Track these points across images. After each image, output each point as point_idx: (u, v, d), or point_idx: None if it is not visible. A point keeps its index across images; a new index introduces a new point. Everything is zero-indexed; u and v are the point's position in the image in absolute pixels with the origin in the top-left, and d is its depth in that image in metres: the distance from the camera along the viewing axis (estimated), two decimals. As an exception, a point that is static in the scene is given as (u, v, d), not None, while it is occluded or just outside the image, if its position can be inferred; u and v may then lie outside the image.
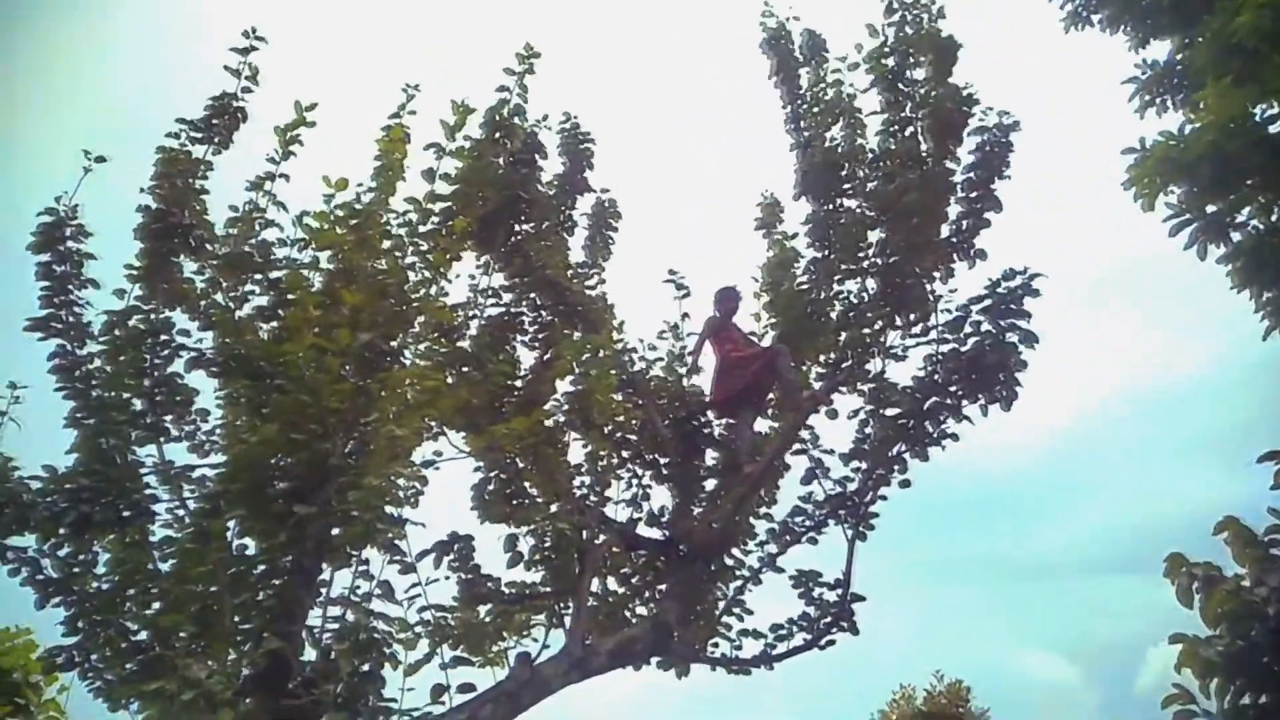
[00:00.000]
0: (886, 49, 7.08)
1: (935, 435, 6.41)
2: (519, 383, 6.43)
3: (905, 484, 6.48)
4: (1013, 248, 6.89)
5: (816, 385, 7.02)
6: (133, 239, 5.22)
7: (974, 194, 6.87)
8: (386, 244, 5.08)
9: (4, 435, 4.91)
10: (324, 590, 4.22)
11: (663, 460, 6.67)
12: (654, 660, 6.14)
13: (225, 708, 3.62)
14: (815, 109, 7.49)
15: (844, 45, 7.47)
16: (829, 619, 6.36)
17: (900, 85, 6.99)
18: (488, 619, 5.95)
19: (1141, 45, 7.90)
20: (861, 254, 6.94)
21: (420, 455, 5.27)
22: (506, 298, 6.65)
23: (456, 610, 5.87)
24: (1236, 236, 6.56)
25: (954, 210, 6.94)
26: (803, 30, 7.73)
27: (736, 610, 6.57)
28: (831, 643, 6.38)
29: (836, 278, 7.06)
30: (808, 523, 6.62)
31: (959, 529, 39.89)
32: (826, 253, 7.18)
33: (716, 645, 6.53)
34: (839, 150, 7.22)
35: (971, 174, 6.88)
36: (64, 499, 4.48)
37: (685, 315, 7.26)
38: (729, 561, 6.60)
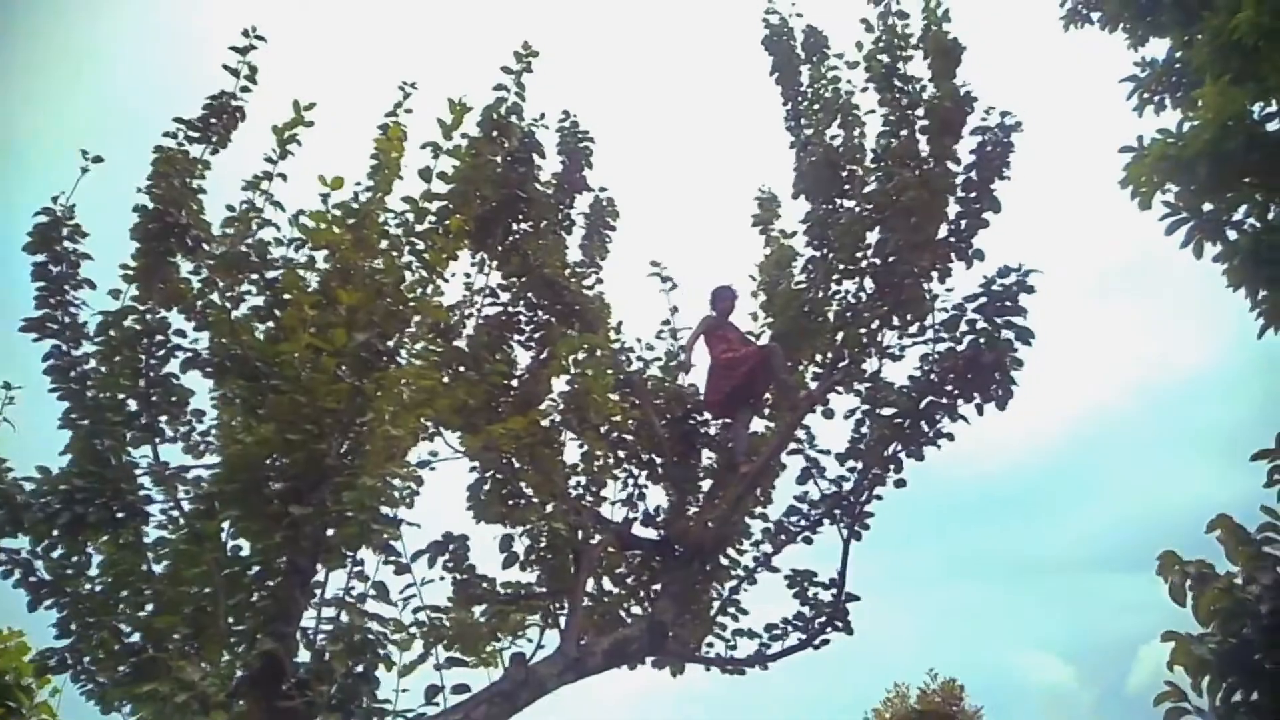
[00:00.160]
0: (879, 44, 7.05)
1: (931, 435, 6.41)
2: (515, 382, 6.43)
3: (900, 484, 6.49)
4: (1013, 247, 6.91)
5: (813, 385, 7.02)
6: (128, 239, 5.21)
7: (972, 194, 6.86)
8: (383, 244, 5.07)
9: (-2, 436, 4.90)
10: (319, 591, 4.22)
11: (659, 460, 6.68)
12: (649, 660, 6.15)
13: (219, 710, 3.62)
14: (815, 106, 7.48)
15: (845, 43, 7.48)
16: (824, 618, 6.38)
17: (895, 81, 6.97)
18: (483, 619, 5.94)
19: (1140, 43, 7.88)
20: (859, 254, 6.93)
21: (416, 455, 5.26)
22: (504, 297, 6.66)
23: (451, 611, 5.84)
24: (1233, 235, 6.55)
25: (952, 210, 6.92)
26: (804, 27, 7.72)
27: (731, 610, 6.59)
28: (826, 642, 6.39)
29: (834, 277, 7.05)
30: (803, 522, 6.63)
31: (954, 528, 39.99)
32: (824, 252, 7.17)
33: (711, 645, 6.55)
34: (838, 149, 7.21)
35: (971, 174, 6.87)
36: (57, 500, 4.46)
37: (674, 309, 7.27)
38: (724, 561, 6.61)
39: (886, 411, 6.53)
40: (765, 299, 7.51)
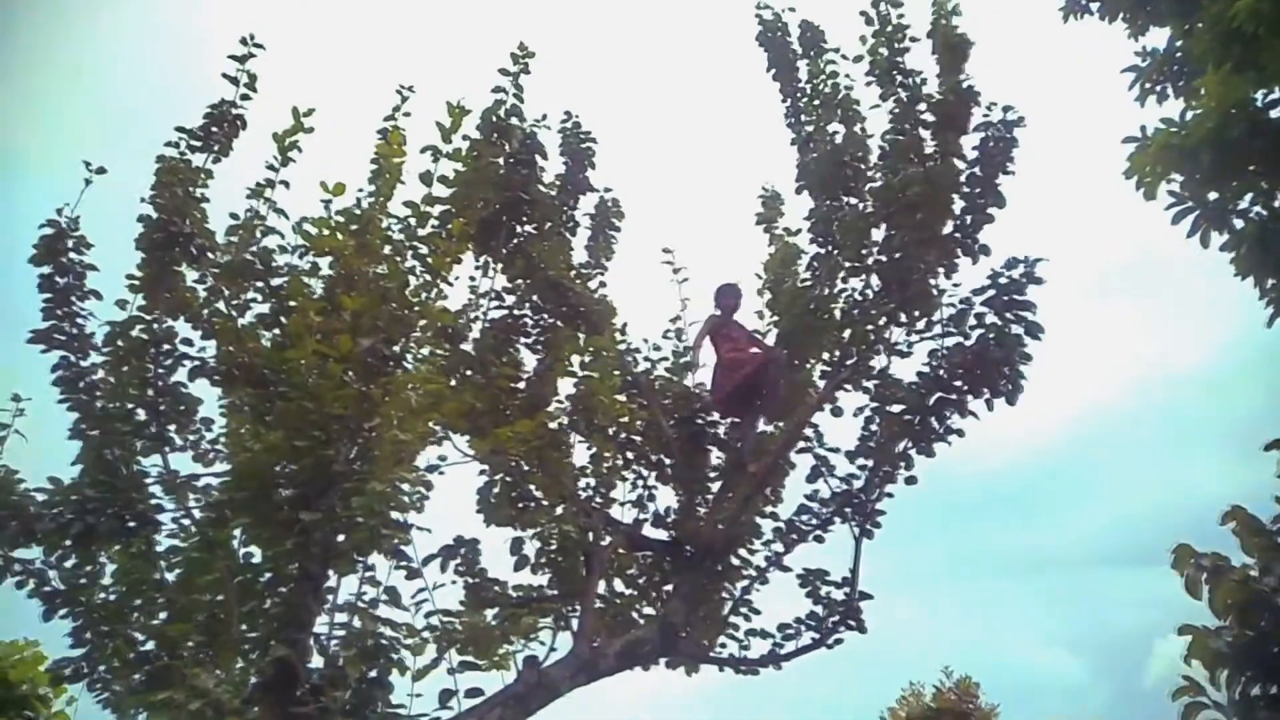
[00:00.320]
0: (879, 37, 7.04)
1: (941, 431, 6.37)
2: (522, 385, 6.42)
3: (911, 481, 6.45)
4: (1017, 242, 6.88)
5: (820, 383, 7.00)
6: (133, 248, 5.23)
7: (977, 190, 6.84)
8: (386, 249, 5.07)
9: (8, 448, 4.91)
10: (331, 597, 4.22)
11: (667, 461, 6.65)
12: (662, 661, 6.13)
13: (233, 716, 3.62)
14: (815, 102, 7.47)
15: (841, 37, 7.46)
16: (836, 617, 6.33)
17: (895, 74, 6.96)
18: (494, 623, 5.93)
19: (1140, 33, 7.86)
20: (865, 250, 6.91)
21: (424, 460, 5.28)
22: (509, 300, 6.65)
23: (463, 615, 5.84)
24: (1238, 224, 6.52)
25: (957, 206, 6.90)
26: (800, 22, 7.71)
27: (743, 610, 6.55)
28: (839, 641, 6.35)
29: (840, 274, 7.03)
30: (814, 521, 6.59)
31: (963, 525, 39.97)
32: (829, 249, 7.16)
33: (724, 645, 6.50)
34: (840, 145, 7.19)
35: (975, 169, 6.85)
36: (69, 511, 4.48)
37: (686, 301, 7.23)
38: (735, 561, 6.57)
39: (895, 408, 6.49)
40: (771, 297, 7.49)
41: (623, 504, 6.47)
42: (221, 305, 5.11)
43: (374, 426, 4.47)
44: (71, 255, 5.19)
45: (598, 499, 6.30)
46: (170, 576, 4.55)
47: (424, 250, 5.11)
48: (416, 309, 4.98)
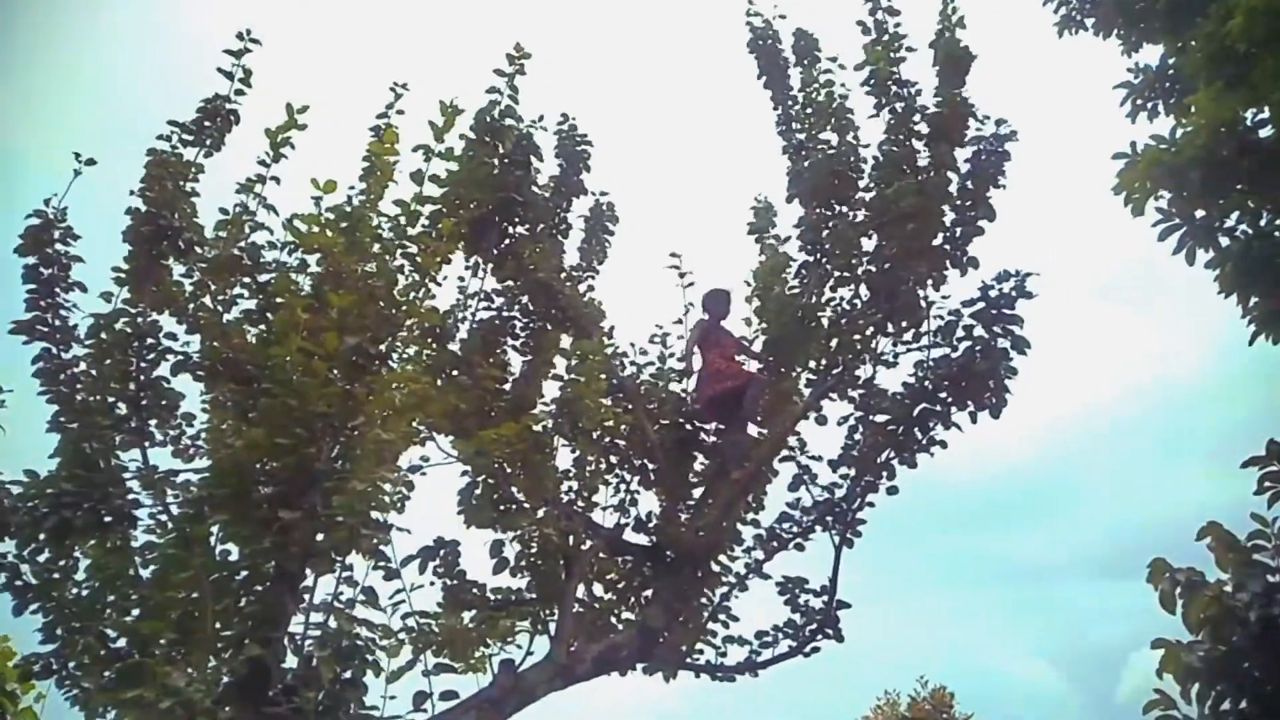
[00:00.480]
0: (878, 46, 7.04)
1: (924, 442, 6.39)
2: (508, 387, 6.41)
3: (893, 491, 6.46)
4: (1007, 254, 6.89)
5: (806, 391, 7.00)
6: (120, 241, 5.20)
7: (968, 202, 6.84)
8: (375, 247, 5.05)
9: (-13, 439, 4.89)
10: (307, 596, 4.19)
11: (651, 466, 6.64)
12: (639, 667, 6.12)
13: (204, 716, 3.59)
14: (808, 110, 7.47)
15: (836, 46, 7.46)
16: (814, 626, 6.35)
17: (891, 85, 6.96)
18: (472, 625, 5.93)
19: (1134, 49, 7.91)
20: (855, 260, 6.92)
21: (407, 460, 5.26)
22: (497, 301, 6.63)
23: (440, 616, 5.85)
24: (1225, 241, 6.56)
25: (948, 218, 6.91)
26: (794, 30, 7.70)
27: (722, 616, 6.56)
28: (816, 649, 6.36)
29: (829, 283, 7.03)
30: (795, 529, 6.60)
31: (944, 534, 40.03)
32: (819, 258, 7.16)
33: (702, 652, 6.50)
34: (832, 154, 7.19)
35: (967, 182, 6.86)
36: (45, 504, 4.44)
37: (689, 305, 7.17)
38: (715, 567, 6.57)
39: (880, 418, 6.50)
40: (759, 305, 7.48)
41: (605, 508, 6.45)
42: (207, 300, 5.08)
43: (357, 425, 4.45)
44: (58, 246, 5.16)
45: (580, 503, 6.29)
46: (145, 573, 4.51)
47: (413, 249, 5.09)
48: (404, 308, 4.97)
